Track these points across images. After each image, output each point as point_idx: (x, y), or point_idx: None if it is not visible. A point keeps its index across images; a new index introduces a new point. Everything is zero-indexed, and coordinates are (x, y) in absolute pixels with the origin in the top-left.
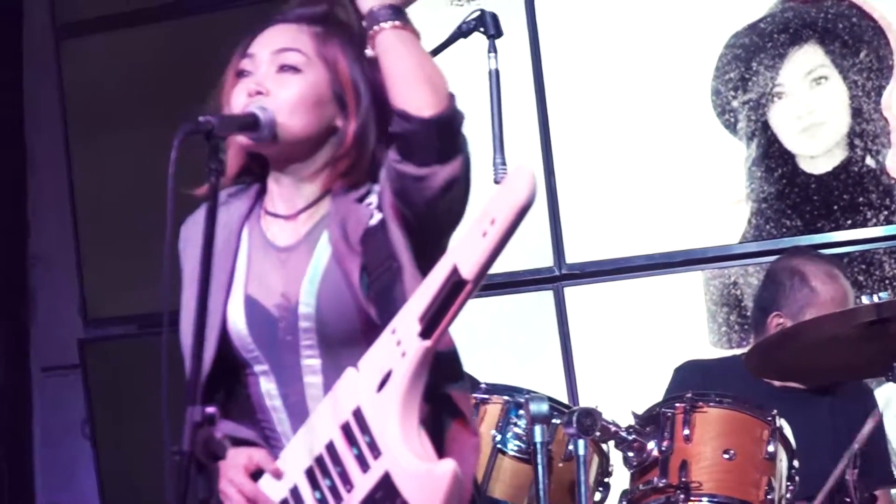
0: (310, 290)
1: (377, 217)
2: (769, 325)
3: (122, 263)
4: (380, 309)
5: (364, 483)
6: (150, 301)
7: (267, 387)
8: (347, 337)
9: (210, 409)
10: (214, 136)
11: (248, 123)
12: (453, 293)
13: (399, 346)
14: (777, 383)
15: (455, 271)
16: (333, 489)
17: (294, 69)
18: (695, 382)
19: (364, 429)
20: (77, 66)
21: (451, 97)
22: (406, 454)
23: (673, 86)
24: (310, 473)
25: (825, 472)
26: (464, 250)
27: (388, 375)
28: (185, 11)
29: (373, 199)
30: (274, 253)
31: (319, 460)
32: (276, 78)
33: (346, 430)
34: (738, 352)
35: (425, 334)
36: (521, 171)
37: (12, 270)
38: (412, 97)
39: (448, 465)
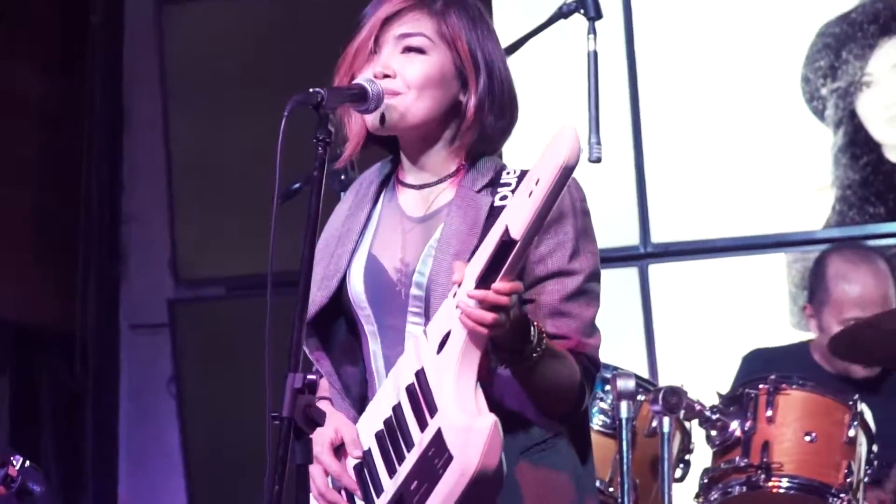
0: (426, 261)
1: (498, 203)
2: (805, 315)
3: (215, 225)
4: None
5: (422, 441)
6: (242, 264)
7: (374, 348)
8: None
9: (311, 377)
10: (323, 107)
11: (356, 95)
12: (504, 253)
13: (458, 308)
14: (833, 371)
15: (506, 232)
16: (397, 450)
17: (419, 51)
18: (758, 371)
19: (424, 389)
20: (178, 33)
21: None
22: (455, 410)
23: (764, 71)
24: (379, 436)
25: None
26: (513, 212)
27: (447, 336)
28: None
29: (500, 191)
30: (403, 220)
31: (387, 422)
32: (402, 59)
33: (409, 391)
34: (804, 338)
35: None
36: (563, 131)
37: (105, 228)
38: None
39: (487, 420)
